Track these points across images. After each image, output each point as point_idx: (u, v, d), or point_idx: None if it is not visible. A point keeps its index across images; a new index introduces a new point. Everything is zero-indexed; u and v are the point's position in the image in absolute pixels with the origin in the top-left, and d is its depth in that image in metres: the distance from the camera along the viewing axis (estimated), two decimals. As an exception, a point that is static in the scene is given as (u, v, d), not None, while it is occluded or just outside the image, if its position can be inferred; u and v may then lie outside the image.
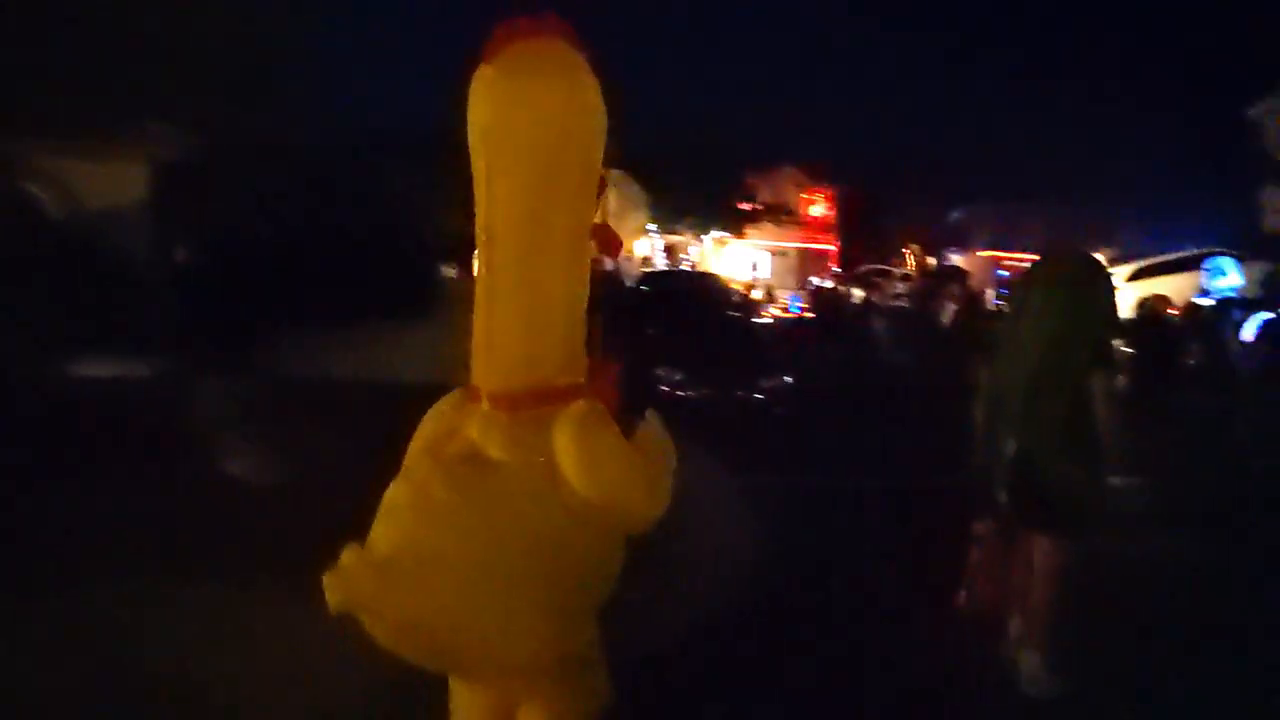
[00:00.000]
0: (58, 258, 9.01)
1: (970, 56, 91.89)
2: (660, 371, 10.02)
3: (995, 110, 74.06)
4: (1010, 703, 4.04)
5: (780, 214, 40.65)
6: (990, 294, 23.99)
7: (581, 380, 2.41)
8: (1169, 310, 11.83)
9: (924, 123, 75.22)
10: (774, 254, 40.92)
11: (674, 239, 37.49)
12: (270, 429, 6.73)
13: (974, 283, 23.12)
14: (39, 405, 6.54)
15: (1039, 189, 37.88)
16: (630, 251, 27.54)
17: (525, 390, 2.34)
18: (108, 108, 9.94)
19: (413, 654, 2.24)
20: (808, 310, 26.70)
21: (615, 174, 2.51)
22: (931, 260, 38.35)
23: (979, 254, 36.97)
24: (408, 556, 2.14)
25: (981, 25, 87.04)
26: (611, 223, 2.49)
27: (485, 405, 2.37)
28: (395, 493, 2.26)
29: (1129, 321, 10.23)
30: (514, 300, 2.35)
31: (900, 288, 23.64)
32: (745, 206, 39.00)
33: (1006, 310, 4.84)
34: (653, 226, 33.04)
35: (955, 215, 43.30)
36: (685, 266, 34.28)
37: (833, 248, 42.99)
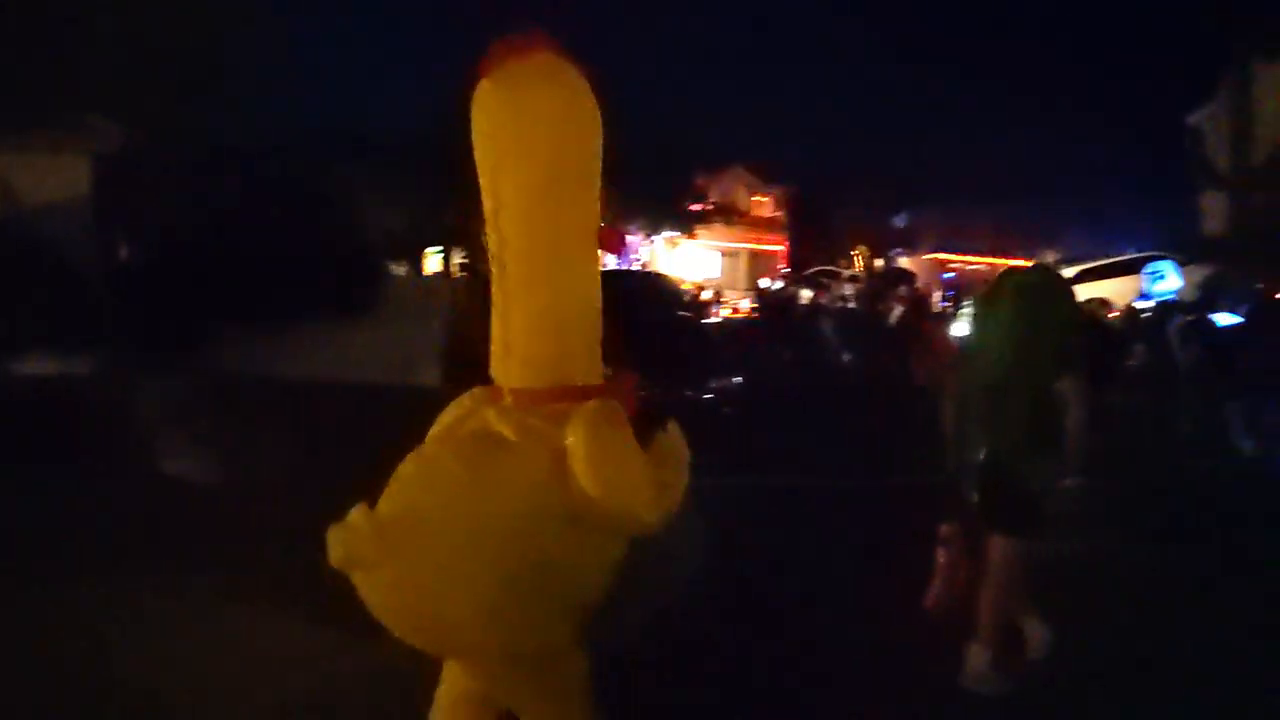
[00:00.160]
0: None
1: (918, 61, 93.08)
2: (608, 370, 9.99)
3: (943, 114, 74.99)
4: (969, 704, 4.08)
5: (730, 214, 40.79)
6: (937, 296, 24.29)
7: (599, 381, 2.53)
8: (1109, 314, 12.05)
9: (872, 126, 76.04)
10: (724, 254, 41.05)
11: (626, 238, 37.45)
12: (213, 427, 6.64)
13: (921, 284, 23.45)
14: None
15: (985, 193, 38.37)
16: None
17: (546, 389, 2.45)
18: (49, 103, 9.75)
19: (400, 623, 2.31)
20: (756, 310, 26.79)
21: None
22: (879, 262, 38.76)
23: (926, 256, 37.40)
24: (410, 518, 2.23)
25: (930, 31, 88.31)
26: None
27: (507, 400, 2.48)
28: (407, 464, 2.37)
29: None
30: (528, 300, 2.46)
31: (848, 289, 23.85)
32: (696, 207, 39.08)
33: (970, 319, 5.00)
34: (602, 225, 32.91)
35: (902, 218, 43.76)
36: (636, 266, 34.27)
37: (782, 248, 43.23)
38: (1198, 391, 10.06)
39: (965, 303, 16.97)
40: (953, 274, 30.86)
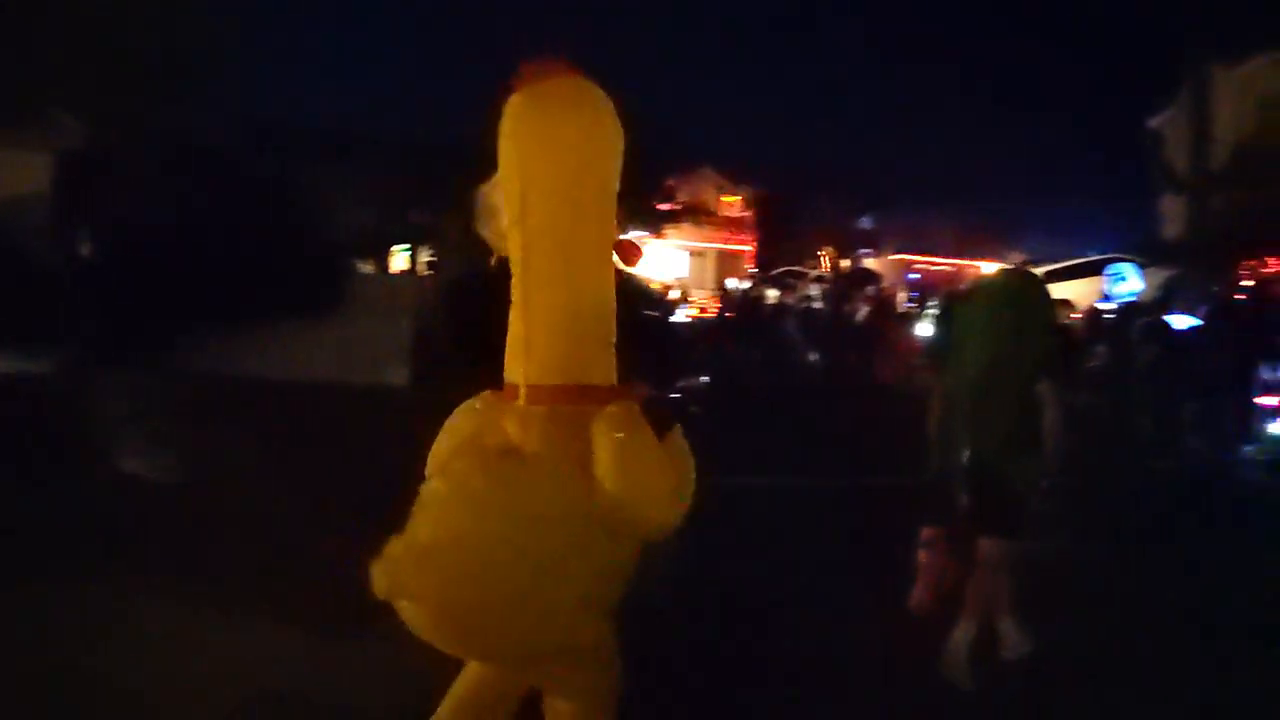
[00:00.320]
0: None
1: (883, 64, 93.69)
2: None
3: (910, 115, 75.39)
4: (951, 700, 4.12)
5: (699, 214, 40.82)
6: (902, 296, 24.47)
7: (615, 383, 2.61)
8: (1071, 315, 12.18)
9: (839, 127, 76.46)
10: (692, 254, 41.09)
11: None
12: (175, 426, 6.58)
13: (886, 285, 23.63)
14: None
15: (950, 195, 38.70)
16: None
17: (563, 385, 2.53)
18: (11, 100, 9.63)
19: (447, 641, 2.39)
20: (723, 310, 26.85)
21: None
22: (845, 262, 38.96)
23: (891, 257, 37.65)
24: (448, 543, 2.28)
25: (895, 34, 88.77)
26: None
27: (522, 401, 2.54)
28: (435, 485, 2.43)
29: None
30: (551, 300, 2.56)
31: (814, 289, 23.96)
32: (664, 207, 39.07)
33: (951, 321, 5.05)
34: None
35: (868, 219, 44.00)
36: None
37: (749, 248, 43.33)
38: (1156, 392, 10.21)
39: (930, 303, 17.15)
40: (918, 274, 31.11)
